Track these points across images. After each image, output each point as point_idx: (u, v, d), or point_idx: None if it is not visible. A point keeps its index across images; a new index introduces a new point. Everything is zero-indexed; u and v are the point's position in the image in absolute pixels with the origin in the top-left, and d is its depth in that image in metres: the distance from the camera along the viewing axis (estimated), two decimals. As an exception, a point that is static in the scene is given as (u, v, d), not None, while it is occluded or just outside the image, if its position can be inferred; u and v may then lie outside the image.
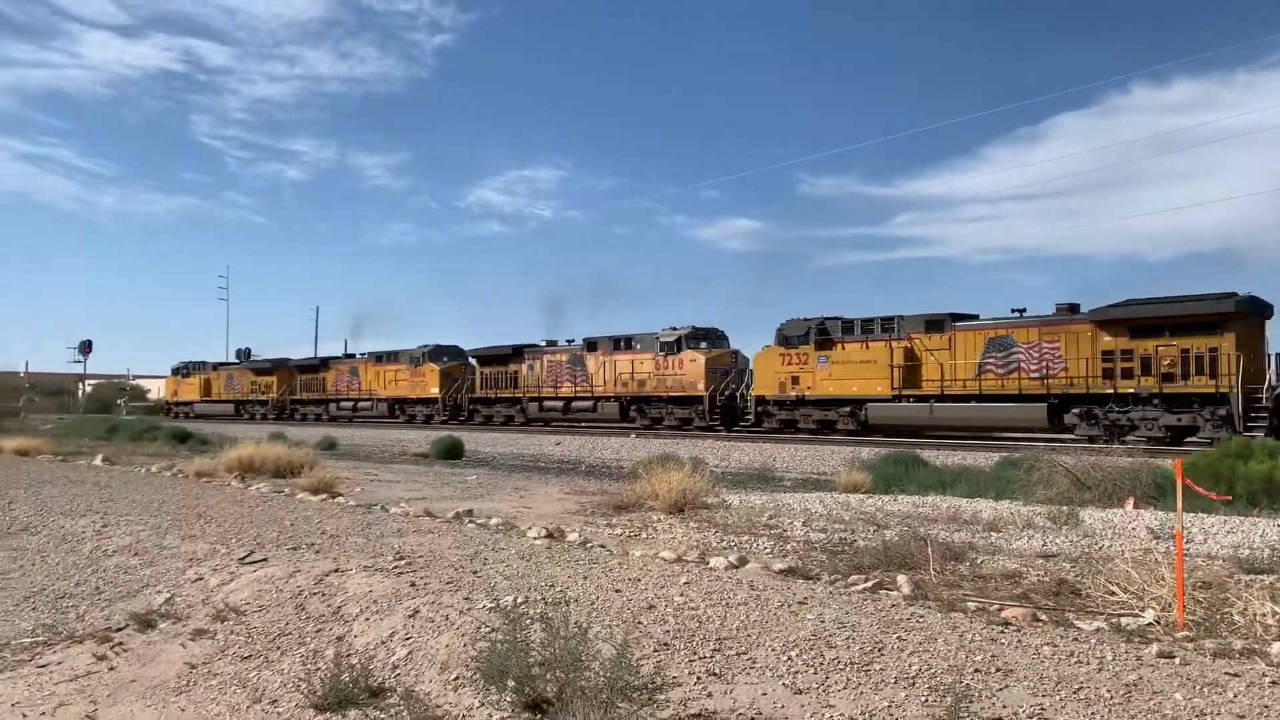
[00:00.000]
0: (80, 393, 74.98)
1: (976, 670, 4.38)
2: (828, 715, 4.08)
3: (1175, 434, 22.78)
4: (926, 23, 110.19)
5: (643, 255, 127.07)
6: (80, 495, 12.66)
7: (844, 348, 28.94)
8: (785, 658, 4.65)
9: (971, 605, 5.79)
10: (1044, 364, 24.67)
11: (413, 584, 6.37)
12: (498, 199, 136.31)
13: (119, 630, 7.03)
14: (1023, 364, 25.15)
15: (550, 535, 8.73)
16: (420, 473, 19.11)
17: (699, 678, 4.53)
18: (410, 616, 5.80)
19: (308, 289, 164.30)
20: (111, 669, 6.34)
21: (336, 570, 6.99)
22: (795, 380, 29.88)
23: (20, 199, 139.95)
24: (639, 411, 35.64)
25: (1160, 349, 22.81)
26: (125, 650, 6.62)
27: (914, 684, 4.26)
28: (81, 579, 8.61)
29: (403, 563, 7.09)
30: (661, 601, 5.72)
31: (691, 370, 33.77)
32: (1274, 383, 21.69)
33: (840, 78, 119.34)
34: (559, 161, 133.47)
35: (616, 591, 6.03)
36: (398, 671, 5.26)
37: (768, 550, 8.52)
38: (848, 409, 28.61)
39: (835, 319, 29.55)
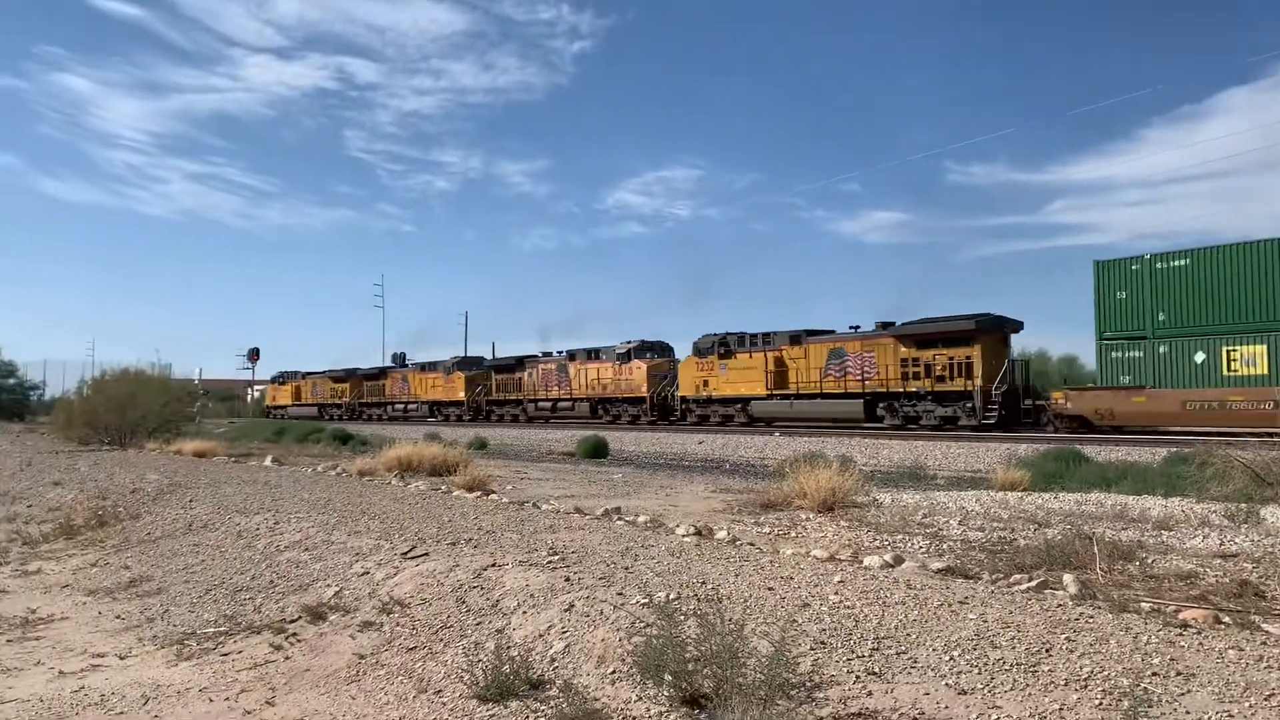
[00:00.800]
0: (249, 398, 79.18)
1: (1154, 674, 4.16)
2: (994, 716, 3.96)
3: (944, 422, 29.06)
4: (1072, 2, 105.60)
5: (783, 251, 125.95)
6: (253, 494, 13.37)
7: (737, 357, 36.07)
8: (947, 657, 4.53)
9: (1145, 606, 5.52)
10: (863, 370, 31.65)
11: (567, 579, 6.48)
12: (636, 200, 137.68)
13: (292, 622, 7.39)
14: (850, 370, 32.14)
15: (699, 533, 8.75)
16: (566, 471, 19.44)
17: (858, 676, 4.46)
18: (566, 610, 5.91)
19: (457, 294, 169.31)
20: (287, 658, 6.67)
21: (494, 565, 7.17)
22: (705, 384, 37.34)
23: (191, 216, 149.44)
24: (604, 409, 43.40)
25: (935, 357, 29.40)
26: (299, 641, 6.96)
27: (1086, 686, 4.09)
28: (257, 573, 9.09)
29: (556, 558, 7.22)
30: (816, 600, 5.66)
31: (638, 376, 41.70)
32: (1005, 383, 28.09)
33: (985, 61, 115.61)
34: (695, 161, 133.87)
35: (769, 589, 5.99)
36: (555, 664, 5.36)
37: (923, 549, 8.33)
38: (740, 405, 35.76)
39: (733, 334, 36.50)
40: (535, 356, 49.34)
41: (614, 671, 5.05)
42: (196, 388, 71.27)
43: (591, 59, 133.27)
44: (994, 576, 6.63)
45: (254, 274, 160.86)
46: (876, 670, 4.50)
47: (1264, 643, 4.58)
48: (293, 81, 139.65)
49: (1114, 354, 26.36)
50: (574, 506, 10.97)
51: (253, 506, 12.05)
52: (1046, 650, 4.51)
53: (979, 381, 28.10)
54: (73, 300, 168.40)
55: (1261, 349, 22.97)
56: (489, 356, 57.80)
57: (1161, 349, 25.13)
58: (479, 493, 12.72)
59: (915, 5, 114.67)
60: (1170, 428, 23.19)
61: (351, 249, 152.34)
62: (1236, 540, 8.25)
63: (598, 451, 26.86)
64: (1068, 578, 6.32)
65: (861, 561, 7.09)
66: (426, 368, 56.73)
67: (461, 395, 52.51)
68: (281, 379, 73.73)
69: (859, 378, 31.60)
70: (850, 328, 33.03)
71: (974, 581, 6.38)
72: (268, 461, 20.89)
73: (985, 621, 5.00)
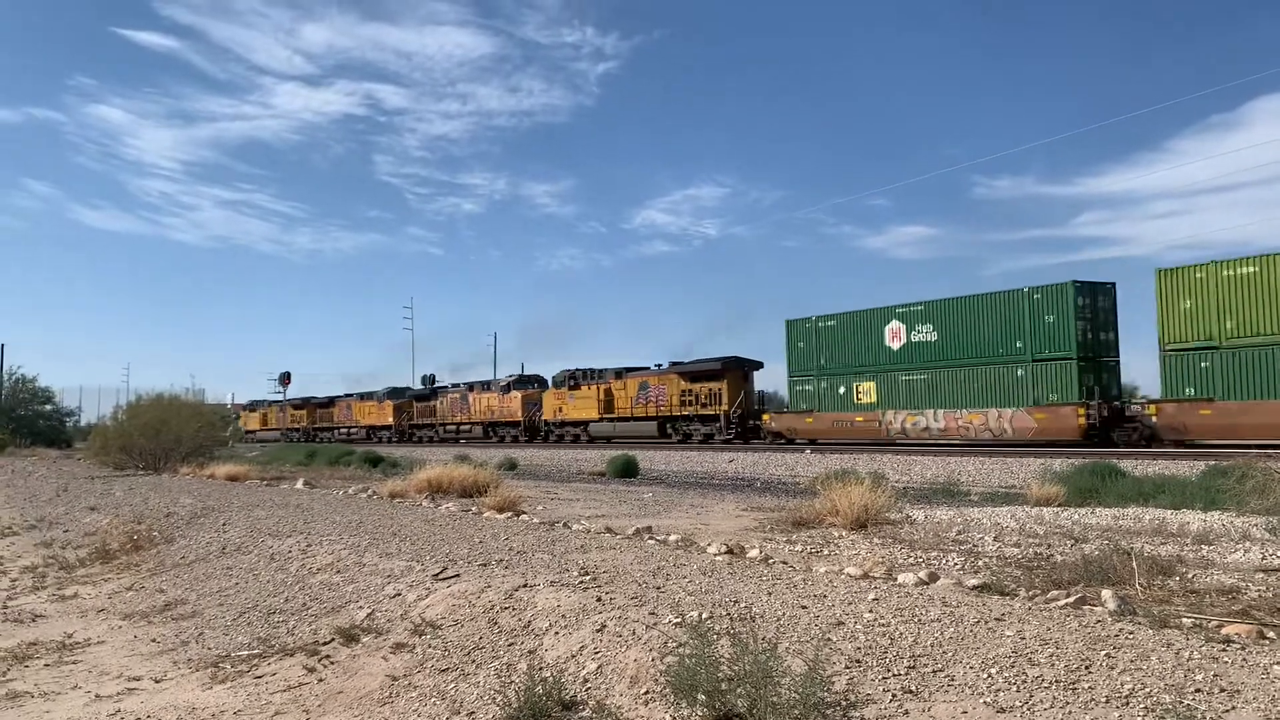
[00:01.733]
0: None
1: (1197, 690, 4.08)
2: (1034, 736, 3.89)
3: (705, 437, 39.86)
4: (1101, 11, 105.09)
5: (812, 267, 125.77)
6: (285, 517, 13.44)
7: (581, 389, 47.15)
8: (984, 675, 4.46)
9: (1186, 622, 5.42)
10: (659, 399, 42.76)
11: (599, 599, 6.46)
12: (663, 219, 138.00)
13: (325, 644, 7.40)
14: (651, 398, 43.14)
15: (730, 551, 8.70)
16: (596, 490, 19.43)
17: (894, 695, 4.40)
18: (598, 631, 5.88)
19: (487, 314, 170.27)
20: (320, 680, 6.68)
21: (525, 585, 7.16)
22: (560, 409, 48.58)
23: (224, 242, 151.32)
24: (493, 431, 54.27)
25: (700, 389, 40.62)
26: (332, 663, 6.97)
27: (1128, 703, 4.01)
28: (290, 595, 9.12)
29: (588, 578, 7.20)
30: (850, 618, 5.60)
31: (514, 404, 53.01)
32: (741, 408, 39.03)
33: (1011, 75, 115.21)
34: (721, 179, 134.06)
35: (803, 608, 5.93)
36: (588, 685, 5.33)
37: (958, 566, 8.24)
38: (583, 426, 46.84)
39: (579, 370, 47.52)
40: (445, 387, 60.90)
41: (647, 692, 5.02)
42: (229, 412, 72.18)
43: (617, 80, 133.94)
44: (1031, 593, 6.54)
45: (286, 298, 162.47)
46: (913, 689, 4.44)
47: (1311, 658, 4.48)
48: (322, 108, 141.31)
49: (801, 387, 36.50)
50: (605, 526, 10.94)
51: (285, 529, 12.11)
52: (1086, 667, 4.43)
53: (724, 407, 39.34)
54: (108, 327, 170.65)
55: (871, 384, 33.82)
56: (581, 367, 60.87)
57: (823, 384, 35.48)
58: (509, 513, 12.73)
59: (941, 20, 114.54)
60: (825, 438, 35.20)
61: (381, 272, 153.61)
62: (1279, 554, 8.10)
63: (628, 471, 26.88)
64: (1106, 593, 6.22)
65: (896, 579, 7.02)
66: (365, 397, 67.37)
67: (390, 420, 63.94)
68: (252, 406, 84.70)
69: (656, 405, 42.94)
70: (654, 365, 44.69)
71: (1011, 598, 6.29)
72: (299, 484, 21.02)
73: (1023, 638, 4.93)
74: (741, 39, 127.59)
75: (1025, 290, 28.98)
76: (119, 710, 6.42)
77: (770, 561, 8.12)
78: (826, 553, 9.26)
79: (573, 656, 5.72)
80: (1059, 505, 13.02)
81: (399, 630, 7.19)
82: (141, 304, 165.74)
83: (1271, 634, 5.08)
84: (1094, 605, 5.96)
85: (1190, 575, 7.23)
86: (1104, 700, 4.07)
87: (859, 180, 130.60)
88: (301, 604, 8.76)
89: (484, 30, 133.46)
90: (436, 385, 61.25)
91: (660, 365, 43.35)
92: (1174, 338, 25.01)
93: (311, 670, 6.88)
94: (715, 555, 8.44)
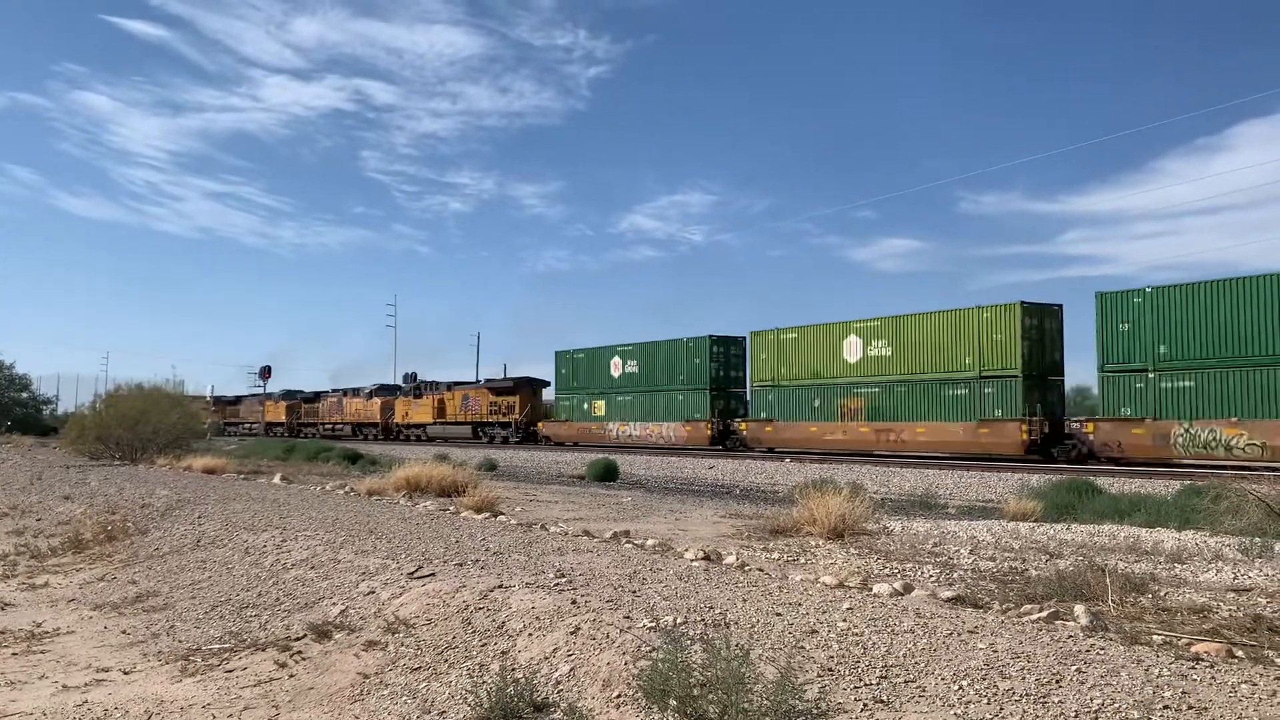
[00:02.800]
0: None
1: (1166, 707, 4.11)
2: (1003, 748, 3.90)
3: (503, 440, 49.56)
4: (1091, 32, 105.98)
5: (796, 277, 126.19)
6: (261, 511, 13.37)
7: (423, 397, 56.91)
8: (956, 687, 4.48)
9: (1157, 639, 5.45)
10: (474, 407, 52.91)
11: (574, 601, 6.44)
12: (650, 224, 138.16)
13: (298, 640, 7.36)
14: (470, 407, 53.21)
15: (707, 557, 8.70)
16: (575, 493, 19.40)
17: (865, 705, 4.41)
18: (572, 633, 5.87)
19: (472, 313, 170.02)
20: (291, 676, 6.64)
21: (500, 586, 7.14)
22: (407, 414, 58.38)
23: (208, 234, 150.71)
24: (359, 431, 62.55)
25: (501, 400, 51.06)
26: (304, 659, 6.93)
27: (1096, 718, 4.03)
28: (263, 590, 9.07)
29: (563, 580, 7.19)
30: (824, 627, 5.61)
31: (375, 409, 62.33)
32: (527, 418, 49.15)
33: (1000, 92, 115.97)
34: (709, 186, 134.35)
35: (777, 615, 5.94)
36: (560, 687, 5.32)
37: (933, 578, 8.27)
38: (423, 428, 56.34)
39: (424, 381, 58.05)
40: (327, 391, 70.74)
41: (619, 695, 5.01)
42: (208, 405, 72.00)
43: (608, 84, 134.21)
44: (1004, 606, 6.57)
45: (269, 292, 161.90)
46: (884, 699, 4.45)
47: (1278, 678, 4.51)
48: (311, 102, 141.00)
49: (562, 402, 47.77)
50: (582, 529, 10.93)
51: (260, 524, 12.04)
52: (1057, 681, 4.46)
53: (516, 416, 50.09)
54: (88, 315, 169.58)
55: (602, 401, 44.95)
56: (500, 375, 63.60)
57: (577, 399, 46.51)
58: (487, 514, 12.70)
59: (932, 35, 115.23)
60: (568, 439, 45.94)
61: (366, 268, 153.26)
62: (1250, 574, 8.17)
63: (608, 475, 26.85)
64: (1079, 609, 6.25)
65: (871, 589, 7.03)
66: (263, 398, 73.53)
67: (284, 418, 72.09)
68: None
69: (473, 412, 53.03)
70: (475, 380, 59.27)
71: (984, 611, 6.32)
72: (276, 479, 20.90)
73: (995, 651, 4.95)
74: (733, 47, 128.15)
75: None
76: (86, 701, 6.36)
77: (746, 568, 8.12)
78: (803, 561, 9.28)
79: (546, 658, 5.71)
80: (1035, 520, 13.08)
81: (372, 628, 7.15)
82: (123, 293, 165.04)
83: (1240, 653, 5.12)
84: (1066, 620, 5.99)
85: (1163, 593, 7.27)
86: (1073, 714, 4.09)
87: (846, 191, 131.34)
88: (275, 599, 8.71)
89: (476, 30, 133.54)
90: (320, 391, 72.14)
91: (479, 381, 57.68)
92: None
93: (283, 666, 6.84)
94: (692, 561, 8.44)
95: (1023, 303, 28.55)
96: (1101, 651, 4.94)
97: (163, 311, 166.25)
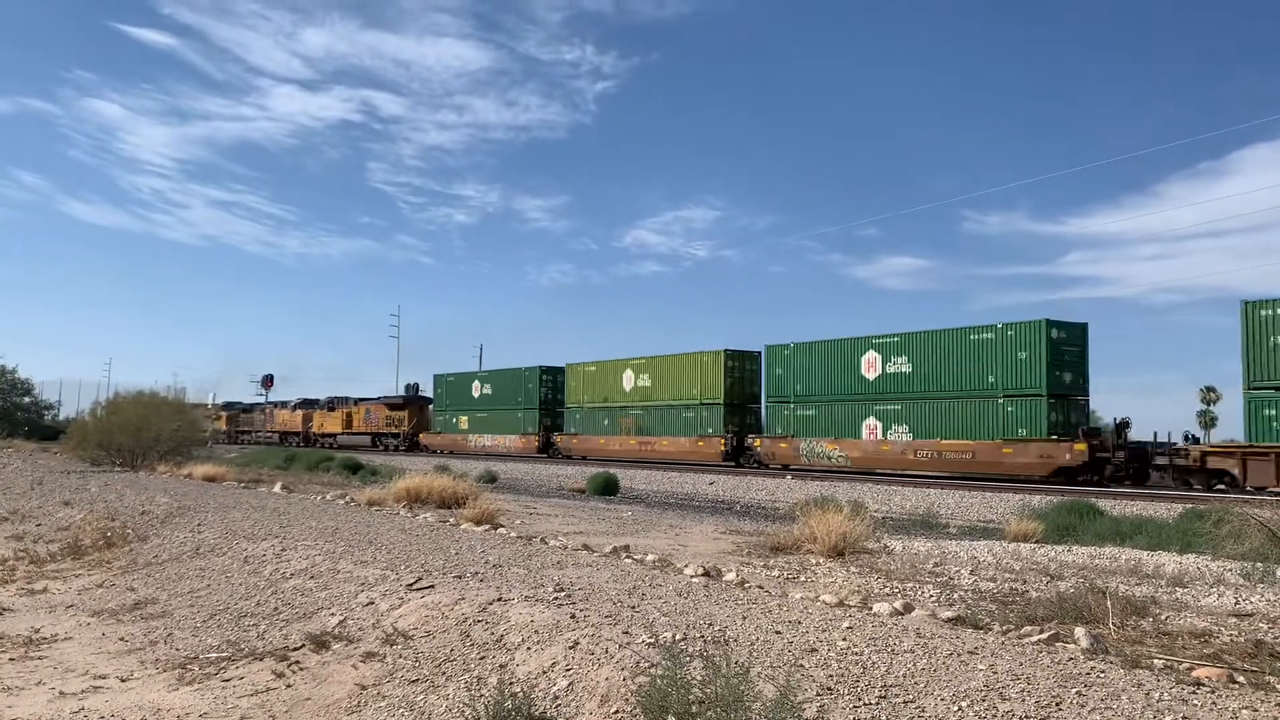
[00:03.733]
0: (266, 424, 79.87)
1: (1166, 732, 4.09)
2: (1002, 771, 3.88)
3: (394, 449, 56.48)
4: (1095, 56, 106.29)
5: (799, 294, 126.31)
6: (261, 520, 13.36)
7: (334, 410, 65.30)
8: (955, 708, 4.46)
9: (1158, 663, 5.43)
10: (375, 420, 60.87)
11: (573, 616, 6.43)
12: (654, 239, 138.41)
13: (296, 650, 7.35)
14: (372, 420, 61.39)
15: (707, 574, 8.68)
16: (576, 507, 19.37)
17: (864, 724, 4.39)
18: (571, 648, 5.85)
19: (475, 323, 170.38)
20: (289, 686, 6.62)
21: (499, 599, 7.12)
22: (323, 425, 66.50)
23: (212, 242, 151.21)
24: (286, 440, 67.36)
25: (394, 414, 59.31)
26: (301, 669, 6.91)
27: (1097, 743, 4.01)
28: (262, 599, 9.05)
29: (563, 594, 7.17)
30: (824, 645, 5.59)
31: (298, 419, 69.59)
32: (414, 429, 57.96)
33: (1004, 113, 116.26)
34: (713, 201, 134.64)
35: (777, 633, 5.92)
36: (558, 702, 5.30)
37: (933, 598, 8.25)
38: (334, 438, 63.23)
39: (336, 397, 66.38)
40: (261, 404, 77.90)
41: (617, 711, 4.99)
42: (210, 412, 72.12)
43: (614, 99, 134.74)
44: (1005, 627, 6.55)
45: (273, 301, 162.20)
46: (883, 719, 4.43)
47: (1279, 704, 4.49)
48: (318, 113, 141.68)
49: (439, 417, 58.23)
50: (582, 543, 10.91)
51: (260, 533, 12.03)
52: (1057, 704, 4.44)
53: (405, 429, 58.54)
54: (92, 321, 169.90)
55: (466, 417, 55.73)
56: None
57: (482, 414, 54.79)
58: (487, 526, 12.68)
59: (937, 56, 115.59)
60: (444, 449, 54.87)
61: (370, 279, 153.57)
62: (1252, 599, 8.14)
63: (608, 489, 26.82)
64: (1080, 631, 6.23)
65: (871, 608, 7.01)
66: (215, 409, 79.33)
67: (224, 426, 77.22)
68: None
69: (373, 424, 61.20)
70: (378, 396, 63.80)
71: (984, 632, 6.30)
72: (277, 488, 20.89)
73: (995, 673, 4.93)
74: (738, 65, 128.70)
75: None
76: (83, 708, 6.35)
77: (746, 585, 8.10)
78: (803, 579, 9.26)
79: (544, 672, 5.69)
80: (1036, 542, 13.05)
81: (370, 639, 7.14)
82: (127, 299, 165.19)
83: (1242, 679, 5.10)
84: (1067, 643, 5.97)
85: (1164, 617, 7.25)
86: (1073, 738, 4.07)
87: (850, 209, 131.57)
88: (273, 608, 8.69)
89: (484, 44, 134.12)
90: (254, 403, 79.84)
91: (380, 398, 63.61)
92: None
93: (280, 675, 6.82)
94: (692, 577, 8.42)
95: (726, 350, 38.28)
96: (1102, 674, 4.92)
97: (166, 318, 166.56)
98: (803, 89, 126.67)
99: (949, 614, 6.92)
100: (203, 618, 8.92)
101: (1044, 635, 6.15)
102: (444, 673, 6.18)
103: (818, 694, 4.72)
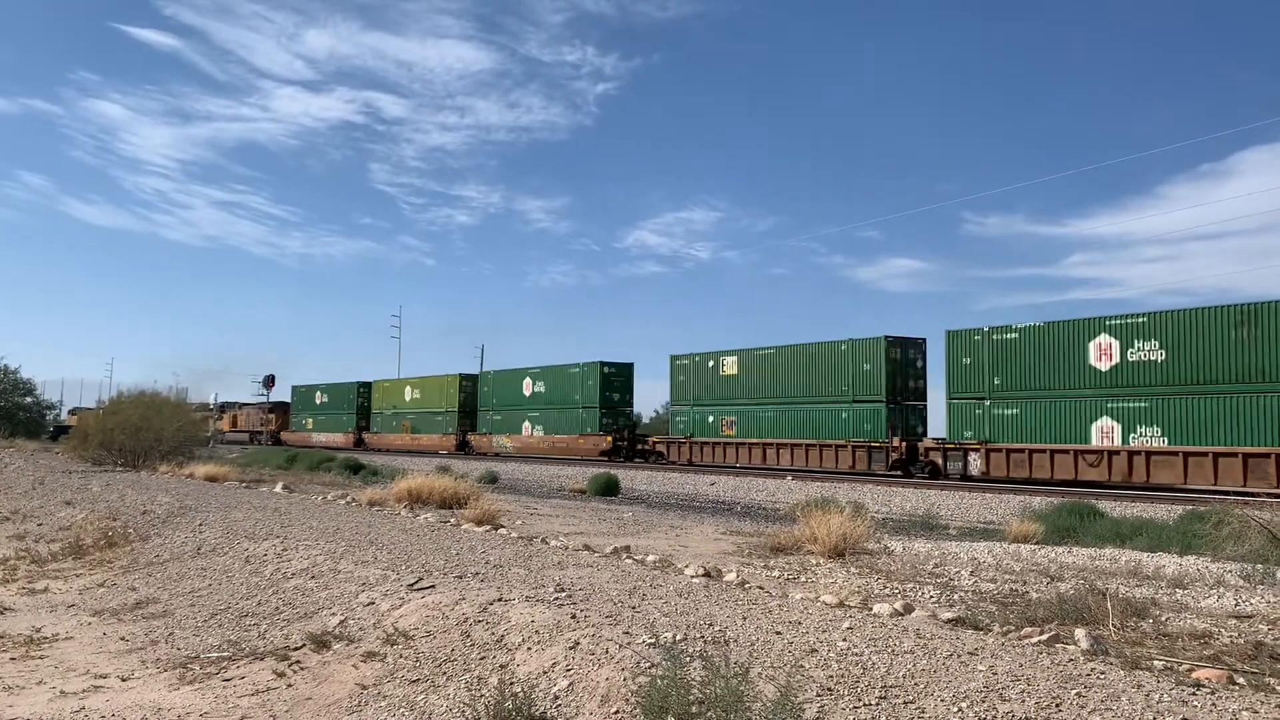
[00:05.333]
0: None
1: (1166, 733, 4.09)
2: (1002, 771, 3.89)
3: (262, 443, 67.94)
4: (1097, 57, 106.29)
5: (799, 295, 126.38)
6: (262, 520, 13.37)
7: (225, 413, 75.93)
8: (955, 709, 4.47)
9: (1158, 664, 5.43)
10: (251, 421, 74.24)
11: (573, 616, 6.44)
12: (655, 240, 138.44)
13: (296, 649, 7.36)
14: (249, 420, 74.97)
15: (707, 574, 8.69)
16: (576, 508, 19.38)
17: (864, 725, 4.40)
18: (571, 648, 5.86)
19: (476, 323, 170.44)
20: (290, 685, 6.63)
21: (500, 600, 7.13)
22: (221, 424, 73.24)
23: (215, 243, 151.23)
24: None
25: (270, 416, 72.75)
26: (302, 669, 6.92)
27: (1096, 744, 4.02)
28: (263, 599, 9.06)
29: (563, 595, 7.18)
30: (824, 646, 5.60)
31: (231, 420, 76.44)
32: (277, 429, 71.09)
33: (1005, 114, 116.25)
34: (715, 203, 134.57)
35: (777, 633, 5.93)
36: (559, 702, 5.31)
37: (934, 598, 8.25)
38: (222, 434, 69.22)
39: (228, 402, 78.75)
40: (232, 404, 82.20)
41: (617, 711, 5.00)
42: (212, 412, 72.34)
43: (615, 100, 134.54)
44: (1005, 628, 6.55)
45: (275, 301, 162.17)
46: (883, 719, 4.43)
47: (1279, 705, 4.50)
48: (320, 114, 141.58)
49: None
50: (583, 544, 10.92)
51: (261, 532, 12.04)
52: (1057, 705, 4.44)
53: (272, 428, 70.59)
54: (93, 321, 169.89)
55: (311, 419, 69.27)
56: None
57: (321, 417, 67.92)
58: (488, 527, 12.69)
59: (938, 56, 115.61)
60: (299, 444, 62.77)
61: (372, 279, 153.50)
62: (1252, 601, 8.14)
63: (609, 489, 26.81)
64: (1080, 632, 6.23)
65: (871, 609, 7.02)
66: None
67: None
68: (73, 410, 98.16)
69: (250, 424, 73.35)
70: (254, 401, 77.07)
71: (984, 633, 6.31)
72: (278, 488, 20.90)
73: (995, 674, 4.94)
74: (739, 67, 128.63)
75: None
76: (83, 708, 6.36)
77: (747, 586, 8.11)
78: (803, 580, 9.26)
79: (544, 673, 5.70)
80: (1037, 543, 13.05)
81: (371, 639, 7.14)
82: (129, 300, 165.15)
83: (1241, 680, 5.10)
84: (1067, 644, 5.97)
85: (1164, 618, 7.25)
86: (1072, 739, 4.07)
87: (851, 211, 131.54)
88: (274, 608, 8.70)
89: (486, 45, 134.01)
90: (228, 402, 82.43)
91: (256, 403, 75.07)
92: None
93: (281, 675, 6.83)
94: (692, 577, 8.43)
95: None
96: (1102, 676, 4.93)
97: (167, 318, 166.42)
98: (803, 91, 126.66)
99: (949, 615, 6.93)
100: (204, 617, 8.93)
101: (1044, 636, 6.16)
102: (445, 672, 6.18)
103: (818, 695, 4.73)
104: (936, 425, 31.24)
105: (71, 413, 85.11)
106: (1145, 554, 11.56)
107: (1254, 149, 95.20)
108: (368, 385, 62.88)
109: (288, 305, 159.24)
